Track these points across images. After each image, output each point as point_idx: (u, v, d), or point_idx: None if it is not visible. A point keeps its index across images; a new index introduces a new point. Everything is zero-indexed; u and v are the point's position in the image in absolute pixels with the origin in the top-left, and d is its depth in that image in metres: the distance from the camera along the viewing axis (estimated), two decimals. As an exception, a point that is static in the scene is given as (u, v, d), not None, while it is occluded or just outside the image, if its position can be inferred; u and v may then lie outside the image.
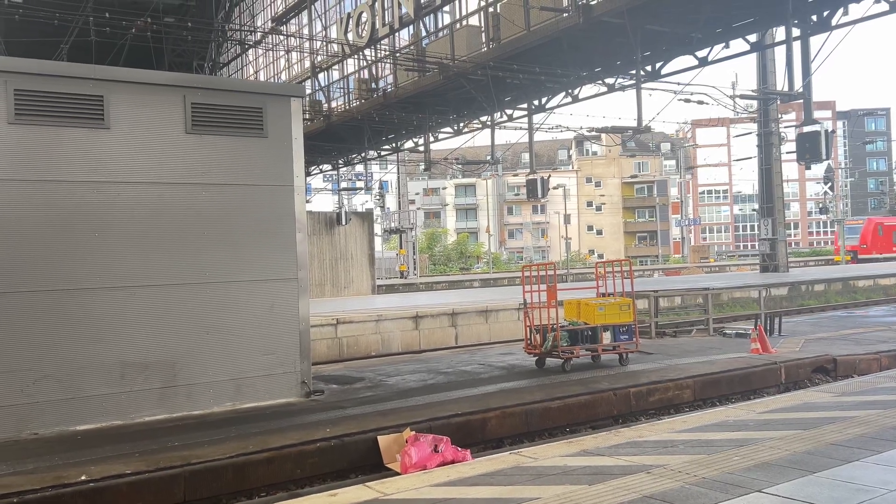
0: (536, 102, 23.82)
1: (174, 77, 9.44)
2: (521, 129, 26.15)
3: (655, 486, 4.66)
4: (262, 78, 36.68)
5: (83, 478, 6.00)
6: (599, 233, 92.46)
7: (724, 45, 18.59)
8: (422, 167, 50.00)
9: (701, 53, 18.77)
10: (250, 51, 37.41)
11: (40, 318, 7.72)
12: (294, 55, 33.18)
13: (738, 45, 18.77)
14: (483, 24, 22.32)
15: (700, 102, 22.83)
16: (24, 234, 7.69)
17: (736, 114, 29.64)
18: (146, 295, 8.25)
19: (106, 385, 7.99)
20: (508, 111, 25.15)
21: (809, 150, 18.94)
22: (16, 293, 7.61)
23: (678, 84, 21.15)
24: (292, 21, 33.54)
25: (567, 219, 45.25)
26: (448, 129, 28.29)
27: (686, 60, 19.31)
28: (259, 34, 32.65)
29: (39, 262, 7.75)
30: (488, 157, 28.27)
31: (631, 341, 11.12)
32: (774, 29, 22.73)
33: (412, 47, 25.65)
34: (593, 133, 25.73)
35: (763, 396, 9.72)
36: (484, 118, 25.88)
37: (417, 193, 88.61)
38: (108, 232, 8.11)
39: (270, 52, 35.92)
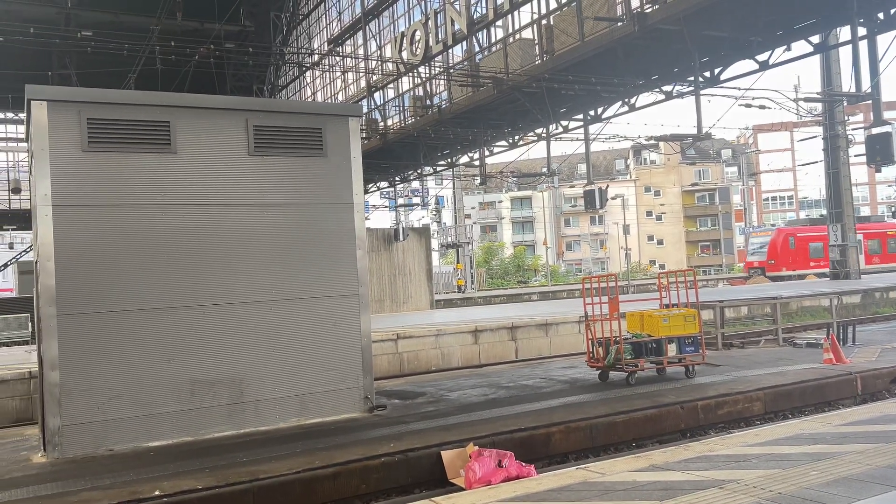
0: (592, 113, 23.60)
1: (236, 101, 9.71)
2: (577, 139, 25.95)
3: (729, 502, 4.52)
4: (319, 99, 37.39)
5: (157, 493, 6.16)
6: (660, 243, 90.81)
7: (785, 47, 18.09)
8: (477, 181, 50.08)
9: (761, 57, 18.31)
10: (308, 73, 38.24)
11: (114, 338, 7.99)
12: (350, 75, 33.76)
13: (800, 47, 18.25)
14: (536, 37, 22.28)
15: (762, 107, 22.24)
16: (97, 256, 7.99)
17: (799, 117, 28.82)
18: (213, 314, 8.46)
19: (176, 402, 8.21)
20: (564, 122, 24.97)
21: (880, 151, 18.22)
22: (91, 314, 7.90)
23: (738, 89, 20.64)
24: (348, 42, 34.13)
25: (626, 229, 44.65)
26: (503, 143, 28.26)
27: (746, 65, 18.86)
28: (316, 56, 33.33)
29: (113, 284, 8.03)
30: (544, 170, 28.13)
31: (697, 353, 10.86)
32: (838, 29, 22.02)
33: (466, 63, 25.79)
34: (651, 142, 25.36)
35: (838, 408, 9.37)
36: (539, 130, 25.76)
37: (473, 208, 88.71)
38: (176, 253, 8.36)
39: (327, 74, 36.63)
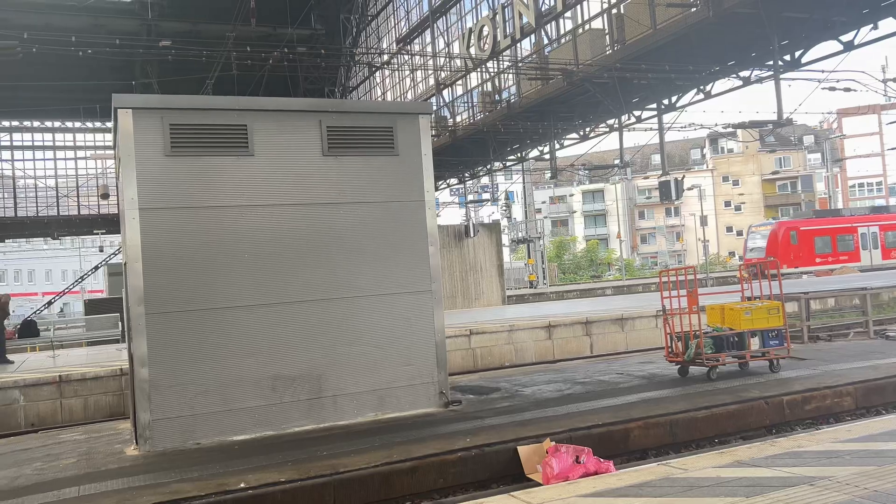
0: (666, 102, 23.04)
1: (310, 103, 9.90)
2: (650, 129, 25.39)
3: (820, 499, 4.34)
4: (389, 98, 37.80)
5: (242, 485, 6.36)
6: (739, 234, 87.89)
7: (871, 26, 17.22)
8: (547, 175, 49.60)
9: (845, 37, 17.48)
10: (377, 73, 38.70)
11: (202, 335, 8.28)
12: (419, 74, 34.00)
13: (888, 25, 17.34)
14: (606, 27, 21.92)
15: (847, 90, 21.29)
16: (182, 257, 8.29)
17: (888, 99, 27.44)
18: (294, 311, 8.67)
19: (259, 398, 8.45)
20: (636, 112, 24.47)
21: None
22: (177, 313, 8.21)
23: (821, 71, 19.82)
24: (416, 41, 34.37)
25: (704, 220, 43.40)
26: (574, 136, 27.91)
27: (829, 46, 18.04)
28: (385, 56, 33.70)
29: (197, 283, 8.32)
30: (616, 161, 27.63)
31: (782, 347, 10.48)
32: (930, 3, 20.82)
33: (535, 56, 25.59)
34: (729, 129, 24.62)
35: (938, 404, 8.87)
36: (611, 121, 25.33)
37: (544, 202, 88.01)
38: (256, 252, 8.59)
39: (396, 73, 36.98)
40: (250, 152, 8.63)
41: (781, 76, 18.97)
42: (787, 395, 8.83)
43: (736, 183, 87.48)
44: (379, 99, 38.64)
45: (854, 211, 46.06)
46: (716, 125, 26.79)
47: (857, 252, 40.99)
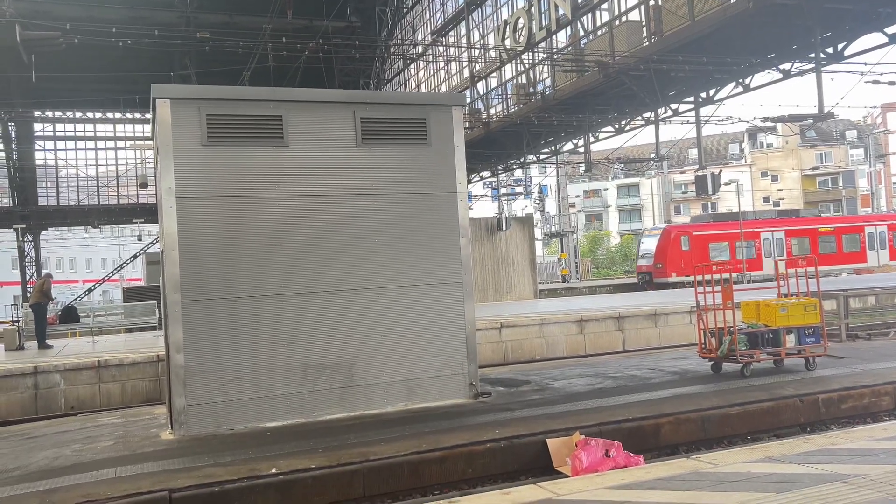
0: (703, 95, 22.72)
1: (344, 94, 9.96)
2: (687, 122, 25.05)
3: (854, 497, 4.28)
4: (423, 91, 37.83)
5: (273, 471, 6.46)
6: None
7: (918, 17, 16.78)
8: (582, 169, 49.30)
9: (890, 29, 17.05)
10: (412, 65, 38.75)
11: (236, 323, 8.41)
12: (453, 66, 33.96)
13: (936, 15, 16.86)
14: (643, 18, 21.67)
15: (891, 83, 20.76)
16: (218, 246, 8.41)
17: (935, 93, 26.65)
18: (326, 300, 8.76)
19: (291, 385, 8.56)
20: (673, 106, 24.18)
21: None
22: (213, 300, 8.34)
23: (864, 64, 19.33)
24: (451, 33, 34.34)
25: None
26: (609, 129, 27.68)
27: (873, 38, 17.63)
28: (420, 48, 33.72)
29: (233, 272, 8.44)
30: (652, 155, 27.32)
31: (818, 344, 10.29)
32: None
33: (570, 48, 25.40)
34: (768, 124, 24.16)
35: (980, 406, 8.65)
36: (647, 114, 25.06)
37: (578, 196, 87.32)
38: (290, 242, 8.69)
39: (431, 66, 37.00)
40: (285, 143, 8.72)
41: (823, 69, 18.59)
42: (823, 393, 8.68)
43: (775, 178, 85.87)
44: (413, 91, 38.68)
45: (760, 214, 42.84)
46: (755, 119, 26.32)
47: (759, 260, 37.98)
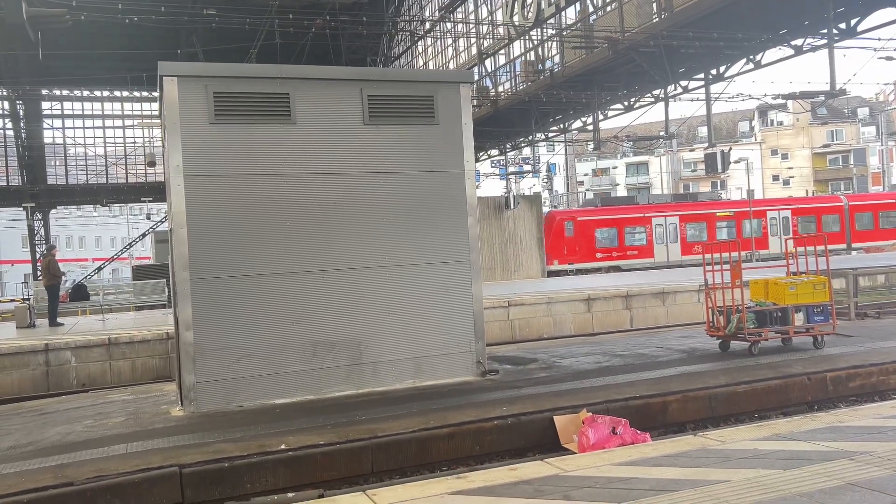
0: (714, 72, 22.52)
1: (351, 72, 9.90)
2: (697, 100, 24.83)
3: (860, 474, 4.28)
4: (431, 68, 37.57)
5: (282, 447, 6.52)
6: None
7: (934, -9, 16.53)
8: (590, 147, 49.00)
9: (905, 4, 16.82)
10: (419, 43, 38.47)
11: (245, 300, 8.44)
12: (461, 43, 33.71)
13: (951, -10, 16.61)
14: (653, -6, 21.40)
15: (905, 59, 20.49)
16: (226, 224, 8.42)
17: (949, 69, 26.30)
18: (335, 278, 8.78)
19: (300, 362, 8.60)
20: (683, 83, 23.98)
21: None
22: (222, 278, 8.37)
23: (878, 40, 19.09)
24: (459, 10, 34.04)
25: (751, 194, 42.32)
26: (618, 106, 27.49)
27: (887, 14, 17.38)
28: (427, 24, 33.45)
29: (241, 250, 8.46)
30: (662, 133, 27.14)
31: (827, 323, 10.27)
32: None
33: (579, 24, 25.15)
34: (779, 101, 23.93)
35: None
36: (656, 92, 24.86)
37: (586, 174, 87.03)
38: (298, 220, 8.69)
39: (438, 43, 36.71)
40: (292, 120, 8.69)
41: (836, 45, 18.36)
42: (831, 371, 8.68)
43: (785, 157, 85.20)
44: (420, 68, 38.44)
45: (653, 199, 41.14)
46: (765, 96, 26.06)
47: (650, 247, 36.19)
